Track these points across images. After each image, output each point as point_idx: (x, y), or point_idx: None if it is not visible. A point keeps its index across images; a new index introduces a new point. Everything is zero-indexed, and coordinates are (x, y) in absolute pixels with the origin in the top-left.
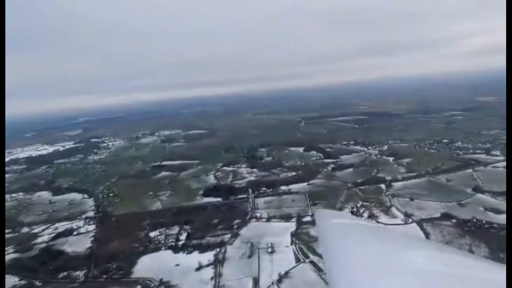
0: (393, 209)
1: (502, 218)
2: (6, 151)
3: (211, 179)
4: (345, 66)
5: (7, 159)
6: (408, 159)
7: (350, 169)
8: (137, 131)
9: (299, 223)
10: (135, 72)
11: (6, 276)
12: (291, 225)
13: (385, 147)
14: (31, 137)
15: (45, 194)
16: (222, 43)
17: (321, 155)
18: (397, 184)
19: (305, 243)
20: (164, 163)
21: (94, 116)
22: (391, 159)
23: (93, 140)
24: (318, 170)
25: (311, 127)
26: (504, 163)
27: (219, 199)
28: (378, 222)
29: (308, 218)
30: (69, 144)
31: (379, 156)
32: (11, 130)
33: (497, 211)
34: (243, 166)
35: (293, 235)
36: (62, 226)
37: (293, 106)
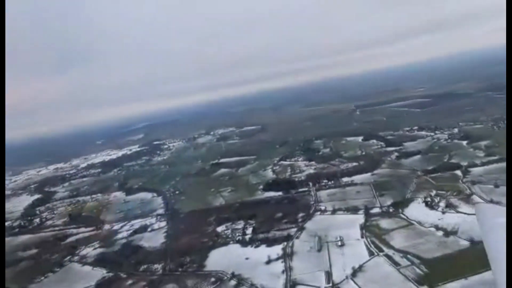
0: (475, 197)
1: None
2: (83, 157)
3: (269, 174)
4: (391, 48)
5: (84, 165)
6: (486, 142)
7: (418, 156)
8: (193, 132)
9: (368, 215)
10: (183, 75)
11: (95, 268)
12: (359, 218)
13: (456, 130)
14: (101, 144)
15: (120, 194)
16: (257, 36)
17: (382, 143)
18: (476, 170)
19: (376, 236)
20: (222, 160)
21: (152, 121)
22: (464, 142)
23: (155, 143)
24: (381, 159)
25: (366, 115)
26: None
27: (280, 193)
28: (458, 212)
29: (376, 210)
30: (135, 148)
31: (449, 140)
32: (83, 138)
33: None
34: (300, 159)
35: (363, 227)
36: (137, 223)
37: (342, 95)
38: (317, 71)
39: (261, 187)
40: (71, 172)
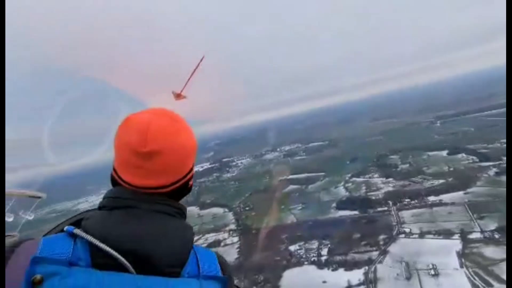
0: None
1: None
2: (97, 195)
3: (341, 191)
4: (476, 51)
5: (98, 201)
6: None
7: None
8: (260, 149)
9: (466, 240)
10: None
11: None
12: (455, 243)
13: None
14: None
15: (194, 209)
16: (325, 48)
17: (473, 157)
18: None
19: (480, 267)
20: (291, 176)
21: (222, 139)
22: None
23: (224, 160)
24: (475, 176)
25: (449, 127)
26: None
27: (356, 212)
28: None
29: (477, 235)
30: (206, 165)
31: None
32: (95, 176)
33: None
34: (375, 176)
35: (461, 255)
36: (211, 237)
37: (418, 106)
38: (391, 81)
39: (334, 205)
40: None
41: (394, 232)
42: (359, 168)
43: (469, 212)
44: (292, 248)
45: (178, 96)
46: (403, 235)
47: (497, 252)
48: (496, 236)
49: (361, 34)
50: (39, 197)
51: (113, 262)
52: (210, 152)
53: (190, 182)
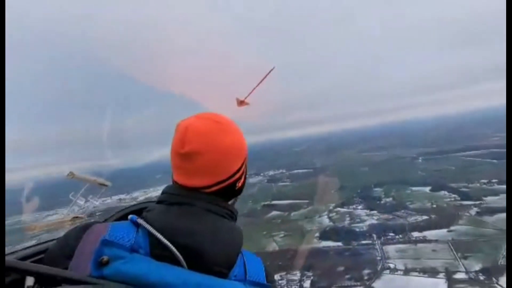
0: None
1: None
2: (142, 190)
3: (325, 221)
4: (464, 92)
5: (143, 197)
6: None
7: (503, 214)
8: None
9: (451, 280)
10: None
11: None
12: (440, 282)
13: None
14: (159, 178)
15: None
16: (312, 78)
17: (455, 196)
18: None
19: None
20: (274, 202)
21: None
22: None
23: None
24: (458, 214)
25: (433, 164)
26: None
27: (340, 244)
28: None
29: (461, 275)
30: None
31: None
32: (144, 172)
33: None
34: (359, 207)
35: None
36: None
37: (404, 141)
38: (379, 115)
39: (317, 234)
40: (131, 203)
41: (379, 267)
42: (343, 198)
43: (453, 250)
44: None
45: (241, 103)
46: (387, 271)
47: None
48: (481, 277)
49: (352, 66)
50: (106, 185)
51: (168, 254)
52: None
53: (239, 184)
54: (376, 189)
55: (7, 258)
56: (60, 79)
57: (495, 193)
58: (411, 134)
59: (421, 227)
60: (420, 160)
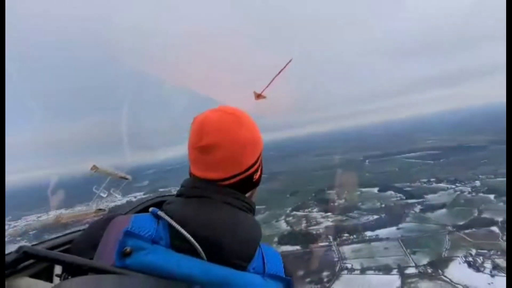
0: None
1: None
2: (85, 203)
3: (283, 225)
4: (404, 100)
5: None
6: None
7: (444, 210)
8: None
9: (403, 276)
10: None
11: None
12: (394, 279)
13: (478, 183)
14: (106, 190)
15: None
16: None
17: (401, 195)
18: None
19: None
20: None
21: (162, 167)
22: (491, 196)
23: (160, 190)
24: (404, 212)
25: (378, 166)
26: None
27: (298, 247)
28: None
29: (412, 270)
30: (139, 195)
31: (473, 194)
32: (90, 184)
33: None
34: (315, 210)
35: None
36: None
37: (352, 146)
38: (330, 121)
39: (275, 239)
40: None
41: (337, 269)
42: (299, 202)
43: (403, 247)
44: None
45: (258, 96)
46: (345, 271)
47: (433, 287)
48: (429, 270)
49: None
50: (127, 179)
51: (188, 246)
52: (144, 181)
53: (255, 176)
54: (329, 191)
55: (37, 247)
56: (79, 78)
57: (434, 191)
58: (360, 139)
59: (373, 227)
60: (367, 163)
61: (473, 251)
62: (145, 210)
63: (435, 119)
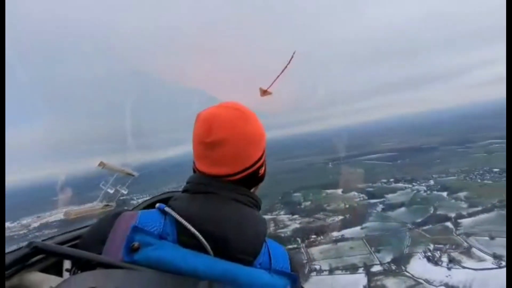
0: (475, 251)
1: None
2: (36, 216)
3: None
4: (359, 106)
5: (36, 224)
6: (465, 193)
7: (403, 208)
8: (166, 185)
9: (369, 274)
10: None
11: None
12: (360, 277)
13: (432, 182)
14: (57, 200)
15: None
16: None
17: (363, 195)
18: (465, 221)
19: None
20: None
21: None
22: (444, 194)
23: (122, 198)
24: (367, 212)
25: (341, 168)
26: None
27: None
28: (464, 267)
29: (377, 268)
30: (98, 205)
31: (429, 192)
32: (40, 193)
33: None
34: (282, 213)
35: None
36: None
37: (315, 149)
38: (293, 126)
39: None
40: (20, 232)
41: (306, 270)
42: (266, 205)
43: (368, 246)
44: None
45: (264, 92)
46: (314, 273)
47: (396, 283)
48: (393, 267)
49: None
50: (133, 175)
51: (195, 241)
52: (101, 189)
53: (261, 171)
54: (295, 194)
55: (47, 242)
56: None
57: (393, 190)
58: (323, 142)
59: (338, 227)
60: (330, 165)
61: (431, 246)
62: (151, 206)
63: (391, 122)
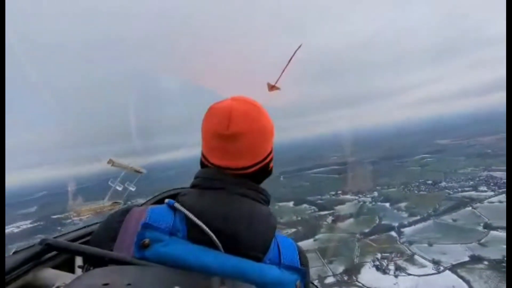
0: (417, 258)
1: None
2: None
3: None
4: (310, 119)
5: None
6: (405, 203)
7: (351, 219)
8: (100, 200)
9: (324, 286)
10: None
11: None
12: None
13: (376, 194)
14: (67, 199)
15: None
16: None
17: (314, 207)
18: (406, 230)
19: None
20: None
21: (53, 189)
22: (387, 204)
23: (54, 217)
24: (319, 224)
25: (291, 181)
26: (497, 198)
27: None
28: (409, 274)
29: (331, 279)
30: (25, 224)
31: (373, 203)
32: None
33: None
34: None
35: None
36: None
37: None
38: None
39: None
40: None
41: None
42: None
43: (320, 257)
44: None
45: (272, 87)
46: None
47: None
48: (345, 278)
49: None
50: (141, 172)
51: (205, 237)
52: (32, 207)
53: (271, 165)
54: None
55: (60, 239)
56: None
57: (342, 202)
58: (274, 155)
59: (294, 240)
60: (282, 178)
61: (379, 255)
62: (160, 202)
63: (337, 136)
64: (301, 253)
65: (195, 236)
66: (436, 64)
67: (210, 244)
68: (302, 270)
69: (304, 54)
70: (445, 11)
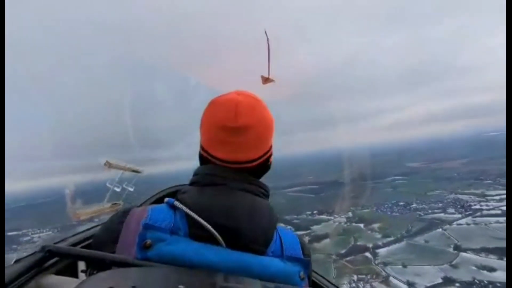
0: (392, 279)
1: (499, 276)
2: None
3: None
4: (284, 139)
5: None
6: (378, 224)
7: (327, 240)
8: (68, 217)
9: None
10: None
11: None
12: None
13: (350, 214)
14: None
15: None
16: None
17: (290, 227)
18: (381, 251)
19: None
20: None
21: (10, 204)
22: (361, 225)
23: (9, 234)
24: None
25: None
26: (464, 220)
27: None
28: None
29: None
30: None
31: (348, 223)
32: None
33: (490, 269)
34: None
35: None
36: None
37: None
38: None
39: None
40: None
41: None
42: None
43: None
44: None
45: (266, 80)
46: None
47: None
48: None
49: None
50: (139, 172)
51: (206, 234)
52: (31, 213)
53: (270, 159)
54: None
55: (61, 245)
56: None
57: (318, 222)
58: None
59: None
60: None
61: (355, 277)
62: (159, 200)
63: (312, 156)
64: (303, 244)
65: (196, 233)
66: (408, 90)
67: (212, 240)
68: (305, 260)
69: (279, 74)
70: (418, 39)
